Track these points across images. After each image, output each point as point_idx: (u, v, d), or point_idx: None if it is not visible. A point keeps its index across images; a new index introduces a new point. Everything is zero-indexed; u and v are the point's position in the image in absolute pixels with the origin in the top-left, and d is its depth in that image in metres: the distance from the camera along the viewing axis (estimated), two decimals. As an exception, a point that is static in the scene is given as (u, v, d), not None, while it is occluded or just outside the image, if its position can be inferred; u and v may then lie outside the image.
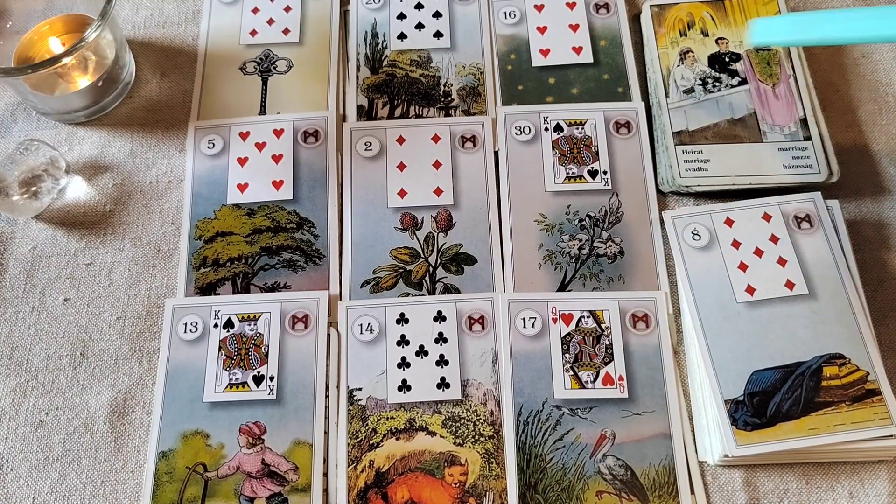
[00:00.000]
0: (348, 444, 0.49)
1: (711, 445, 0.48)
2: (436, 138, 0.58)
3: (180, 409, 0.50)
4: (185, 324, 0.52)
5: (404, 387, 0.51)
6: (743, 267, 0.52)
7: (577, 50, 0.62)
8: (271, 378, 0.51)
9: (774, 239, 0.52)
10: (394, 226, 0.56)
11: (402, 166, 0.58)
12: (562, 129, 0.58)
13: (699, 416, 0.49)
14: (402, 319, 0.52)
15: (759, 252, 0.52)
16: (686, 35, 0.61)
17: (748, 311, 0.50)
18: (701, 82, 0.59)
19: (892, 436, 0.46)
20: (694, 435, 0.49)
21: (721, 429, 0.47)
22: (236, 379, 0.51)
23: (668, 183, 0.56)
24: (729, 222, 0.53)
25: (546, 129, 0.58)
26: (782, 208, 0.53)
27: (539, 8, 0.63)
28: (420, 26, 0.63)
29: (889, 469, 0.48)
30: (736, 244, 0.52)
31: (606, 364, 0.51)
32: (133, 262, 0.56)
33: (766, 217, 0.53)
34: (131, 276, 0.55)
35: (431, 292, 0.54)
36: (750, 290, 0.51)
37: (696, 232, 0.53)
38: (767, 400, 0.48)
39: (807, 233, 0.52)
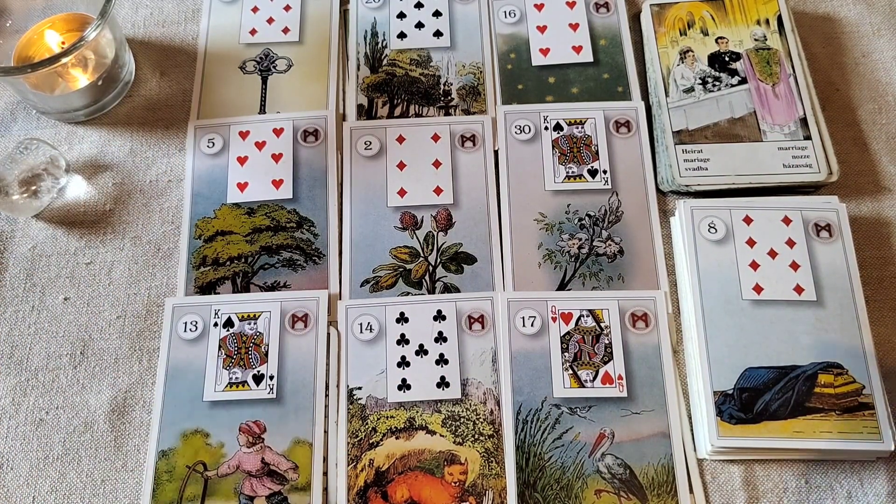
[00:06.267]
0: (348, 443, 0.49)
1: (703, 437, 0.48)
2: (435, 137, 0.58)
3: (180, 408, 0.50)
4: (185, 323, 0.52)
5: (404, 386, 0.51)
6: (754, 265, 0.51)
7: (577, 49, 0.61)
8: (271, 377, 0.51)
9: (791, 243, 0.52)
10: (393, 225, 0.56)
11: (401, 165, 0.58)
12: (562, 129, 0.58)
13: (696, 411, 0.49)
14: (402, 318, 0.52)
15: (773, 253, 0.52)
16: (686, 34, 0.61)
17: (752, 308, 0.50)
18: (701, 81, 0.59)
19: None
20: (693, 433, 0.49)
21: (707, 419, 0.47)
22: (236, 378, 0.51)
23: (668, 182, 0.56)
24: (748, 220, 0.53)
25: (546, 128, 0.58)
26: (804, 214, 0.53)
27: (539, 7, 0.63)
28: (420, 25, 0.63)
29: (888, 469, 0.48)
30: (751, 242, 0.52)
31: (606, 363, 0.51)
32: (133, 261, 0.56)
33: (787, 220, 0.52)
34: (131, 275, 0.55)
35: (431, 291, 0.54)
36: (757, 288, 0.51)
37: (712, 225, 0.53)
38: (756, 397, 0.48)
39: (825, 241, 0.52)
